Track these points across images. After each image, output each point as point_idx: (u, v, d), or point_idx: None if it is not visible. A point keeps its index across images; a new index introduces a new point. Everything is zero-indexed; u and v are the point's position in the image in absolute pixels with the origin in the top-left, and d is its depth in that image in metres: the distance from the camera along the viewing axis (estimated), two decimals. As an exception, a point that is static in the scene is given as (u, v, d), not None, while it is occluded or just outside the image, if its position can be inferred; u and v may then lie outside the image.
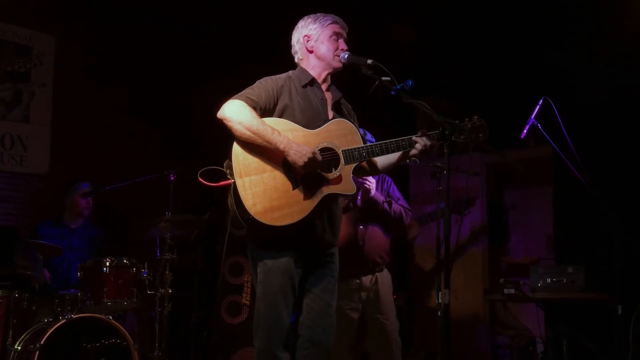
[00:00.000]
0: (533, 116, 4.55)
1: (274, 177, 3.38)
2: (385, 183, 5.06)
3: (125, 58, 6.55)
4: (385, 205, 4.87)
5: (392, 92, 3.43)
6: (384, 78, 3.45)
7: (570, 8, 6.31)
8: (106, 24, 6.47)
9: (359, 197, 4.77)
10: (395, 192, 5.08)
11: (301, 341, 3.51)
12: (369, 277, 4.85)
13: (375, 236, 4.90)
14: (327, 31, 3.64)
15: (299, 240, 3.44)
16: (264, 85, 3.52)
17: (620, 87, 6.00)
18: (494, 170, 6.96)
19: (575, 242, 6.32)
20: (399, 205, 4.96)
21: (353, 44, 3.70)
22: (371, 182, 4.74)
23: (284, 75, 3.63)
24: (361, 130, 4.33)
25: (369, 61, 3.49)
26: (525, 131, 4.55)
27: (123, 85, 6.50)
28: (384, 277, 4.92)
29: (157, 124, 6.63)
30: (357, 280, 4.81)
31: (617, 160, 6.10)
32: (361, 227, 4.85)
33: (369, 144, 3.59)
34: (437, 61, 7.31)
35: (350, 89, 3.88)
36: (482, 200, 6.81)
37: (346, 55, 3.59)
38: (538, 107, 4.56)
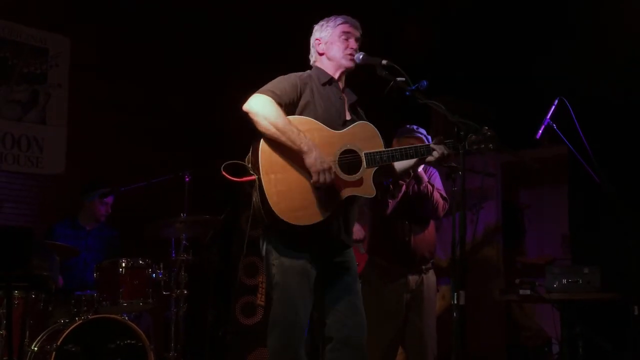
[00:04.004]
0: (549, 116, 4.53)
1: (298, 177, 3.39)
2: (428, 172, 4.85)
3: (139, 59, 6.57)
4: (429, 187, 4.69)
5: (407, 93, 3.44)
6: (398, 78, 3.46)
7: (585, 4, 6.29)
8: (120, 24, 6.48)
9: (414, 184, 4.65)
10: (437, 183, 4.84)
11: (333, 343, 3.49)
12: (416, 277, 4.67)
13: (422, 229, 4.73)
14: (337, 31, 3.65)
15: (316, 241, 3.46)
16: (289, 81, 3.53)
17: (636, 85, 5.96)
18: (508, 170, 6.93)
19: (591, 242, 6.29)
20: (439, 195, 4.75)
21: (365, 45, 3.69)
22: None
23: (305, 73, 3.65)
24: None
25: (384, 62, 3.49)
26: (540, 131, 4.53)
27: (137, 86, 6.52)
28: (430, 280, 4.75)
29: (173, 124, 6.65)
30: (404, 280, 4.65)
31: (632, 160, 6.06)
32: (406, 222, 4.69)
33: (389, 148, 3.59)
34: (451, 61, 7.29)
35: (364, 88, 3.88)
36: (496, 200, 6.79)
37: (360, 56, 3.59)
38: (554, 107, 4.54)
